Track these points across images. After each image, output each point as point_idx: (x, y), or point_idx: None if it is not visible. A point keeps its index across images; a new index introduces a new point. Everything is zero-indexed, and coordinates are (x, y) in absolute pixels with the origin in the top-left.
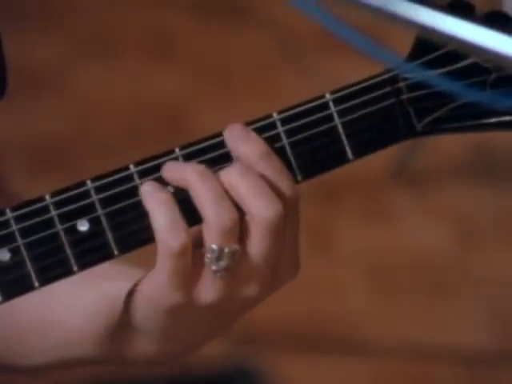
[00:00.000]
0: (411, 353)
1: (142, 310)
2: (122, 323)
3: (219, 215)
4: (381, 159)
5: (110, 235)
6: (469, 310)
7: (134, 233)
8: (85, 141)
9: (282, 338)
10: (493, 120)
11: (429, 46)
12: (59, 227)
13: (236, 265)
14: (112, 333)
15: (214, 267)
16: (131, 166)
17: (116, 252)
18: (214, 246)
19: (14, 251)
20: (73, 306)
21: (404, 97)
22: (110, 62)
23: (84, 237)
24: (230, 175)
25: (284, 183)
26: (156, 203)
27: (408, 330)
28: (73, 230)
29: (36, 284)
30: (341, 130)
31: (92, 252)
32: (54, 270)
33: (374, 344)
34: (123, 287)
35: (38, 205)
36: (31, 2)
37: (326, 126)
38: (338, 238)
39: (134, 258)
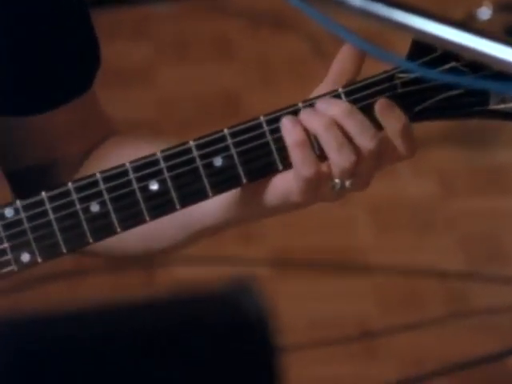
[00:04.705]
0: (403, 272)
1: (275, 201)
2: (250, 204)
3: (341, 159)
4: None
5: (240, 168)
6: (447, 240)
7: (260, 167)
8: (167, 120)
9: (294, 263)
10: (459, 111)
11: (424, 48)
12: (198, 163)
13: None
14: (240, 208)
15: (335, 189)
16: (261, 117)
17: (244, 181)
18: (337, 181)
19: (162, 182)
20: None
21: (399, 91)
22: (185, 61)
23: (219, 170)
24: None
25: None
26: (293, 141)
27: (401, 255)
28: (210, 165)
29: (178, 207)
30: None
31: (225, 182)
32: (192, 196)
33: (375, 266)
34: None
35: (183, 147)
36: (128, 21)
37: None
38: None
39: None
